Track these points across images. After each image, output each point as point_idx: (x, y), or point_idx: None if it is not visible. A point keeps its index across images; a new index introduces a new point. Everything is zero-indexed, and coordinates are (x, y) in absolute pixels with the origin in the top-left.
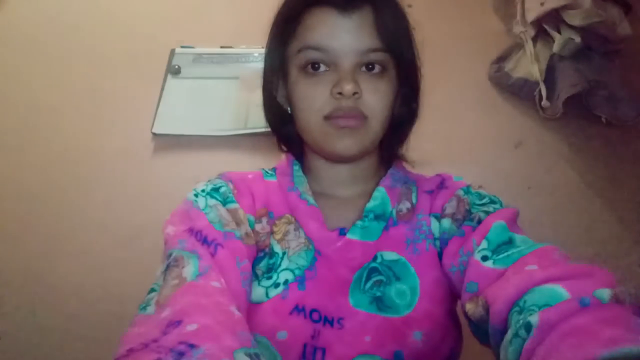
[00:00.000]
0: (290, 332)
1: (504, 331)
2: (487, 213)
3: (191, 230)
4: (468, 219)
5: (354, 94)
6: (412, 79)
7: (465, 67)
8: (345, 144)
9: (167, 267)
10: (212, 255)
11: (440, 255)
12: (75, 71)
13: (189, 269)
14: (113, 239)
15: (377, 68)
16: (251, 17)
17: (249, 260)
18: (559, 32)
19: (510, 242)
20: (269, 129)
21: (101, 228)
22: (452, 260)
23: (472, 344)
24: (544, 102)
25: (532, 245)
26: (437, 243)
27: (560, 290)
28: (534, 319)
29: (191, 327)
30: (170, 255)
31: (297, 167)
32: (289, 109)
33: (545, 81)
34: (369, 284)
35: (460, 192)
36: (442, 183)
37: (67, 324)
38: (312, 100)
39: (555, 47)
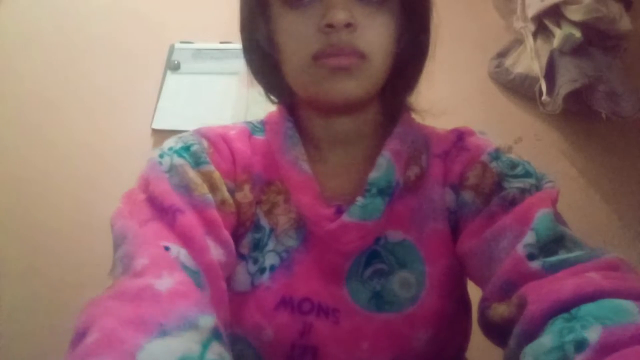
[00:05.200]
0: (276, 331)
1: (532, 335)
2: (523, 191)
3: (148, 200)
4: (498, 195)
5: (347, 25)
6: (420, 7)
7: (465, 63)
8: (340, 88)
9: (112, 267)
10: (170, 224)
11: (454, 233)
12: (74, 67)
13: (117, 265)
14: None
15: None
16: None
17: (227, 231)
18: (560, 28)
19: (560, 241)
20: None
21: (101, 224)
22: (474, 242)
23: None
24: (544, 98)
25: (591, 251)
26: (452, 218)
27: (631, 308)
28: (593, 335)
29: (91, 338)
30: (113, 242)
31: (290, 125)
32: (272, 50)
33: (546, 77)
34: (368, 272)
35: (487, 158)
36: (459, 141)
37: (68, 323)
38: (298, 37)
39: (556, 43)
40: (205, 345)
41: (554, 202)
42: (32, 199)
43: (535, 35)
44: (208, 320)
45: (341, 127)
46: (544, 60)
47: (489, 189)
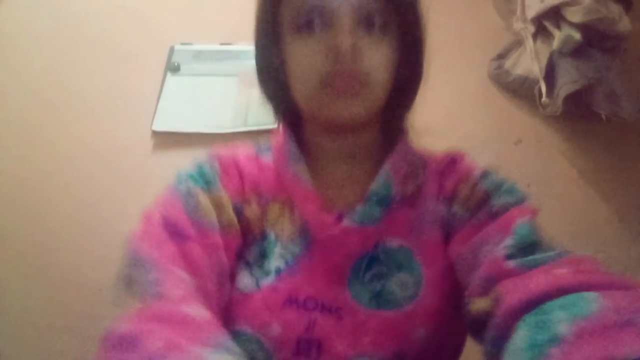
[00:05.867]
0: (284, 326)
1: (507, 329)
2: (507, 206)
3: (164, 224)
4: (484, 209)
5: (353, 52)
6: (416, 37)
7: (465, 64)
8: (345, 109)
9: (127, 283)
10: (182, 250)
11: (446, 241)
12: (74, 68)
13: (146, 286)
14: (113, 237)
15: (377, 27)
16: (251, 14)
17: (230, 252)
18: (559, 29)
19: (536, 246)
20: (269, 127)
21: (101, 225)
22: (462, 248)
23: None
24: (544, 99)
25: (563, 252)
26: (445, 227)
27: (593, 299)
28: (564, 329)
29: (156, 344)
30: (128, 264)
31: (293, 143)
32: (282, 73)
33: (545, 78)
34: (368, 275)
35: (476, 177)
36: (452, 163)
37: (68, 323)
38: (307, 62)
39: (556, 44)
40: None
41: (533, 215)
42: (31, 199)
43: (535, 36)
44: (235, 346)
45: (344, 144)
46: (544, 61)
47: (476, 203)
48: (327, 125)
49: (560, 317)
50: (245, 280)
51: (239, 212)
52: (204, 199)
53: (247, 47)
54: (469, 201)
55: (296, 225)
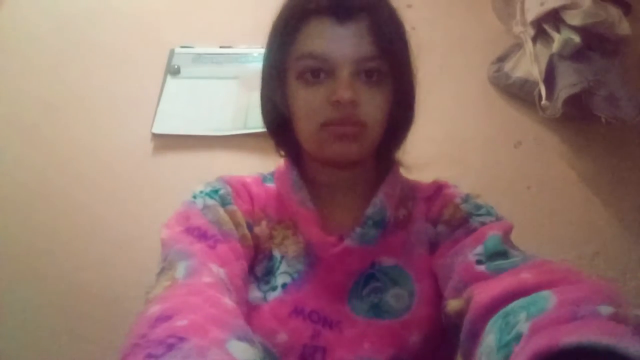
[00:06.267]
0: (290, 334)
1: (478, 327)
2: (483, 224)
3: (188, 230)
4: (463, 226)
5: (352, 104)
6: (408, 84)
7: (464, 67)
8: (343, 151)
9: (161, 271)
10: (212, 247)
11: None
12: (75, 70)
13: (180, 271)
14: (113, 239)
15: (374, 75)
16: (251, 17)
17: (246, 261)
18: (559, 32)
19: (504, 254)
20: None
21: (101, 228)
22: (442, 260)
23: None
24: (544, 102)
25: (527, 257)
26: (432, 245)
27: (547, 296)
28: (524, 327)
29: (181, 322)
30: (164, 259)
31: (295, 173)
32: (287, 114)
33: (545, 81)
34: (366, 290)
35: (458, 200)
36: (439, 190)
37: (68, 323)
38: (310, 108)
39: (555, 47)
40: None
41: (505, 230)
42: (31, 201)
43: (534, 39)
44: (256, 340)
45: (342, 177)
46: (544, 64)
47: (457, 223)
48: (327, 162)
49: (522, 317)
50: (253, 293)
51: (250, 230)
52: (221, 212)
53: (247, 50)
54: (452, 221)
55: (300, 246)
